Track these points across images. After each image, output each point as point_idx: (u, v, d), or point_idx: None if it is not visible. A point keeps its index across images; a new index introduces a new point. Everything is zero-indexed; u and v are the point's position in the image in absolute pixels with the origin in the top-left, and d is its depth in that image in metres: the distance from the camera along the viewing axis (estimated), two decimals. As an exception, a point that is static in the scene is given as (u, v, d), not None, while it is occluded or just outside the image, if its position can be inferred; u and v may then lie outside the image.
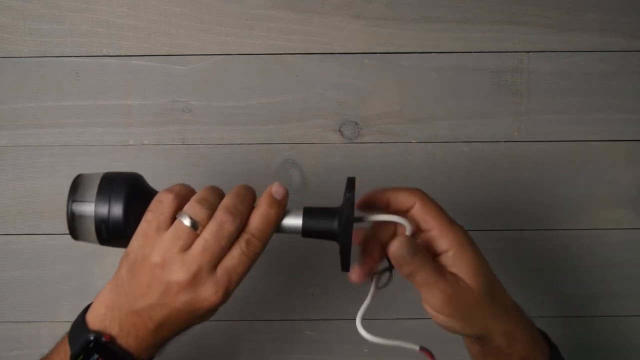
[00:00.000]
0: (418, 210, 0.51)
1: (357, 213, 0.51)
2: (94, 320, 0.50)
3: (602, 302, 0.73)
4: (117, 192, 0.50)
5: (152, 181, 0.71)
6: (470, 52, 0.71)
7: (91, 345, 0.49)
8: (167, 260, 0.47)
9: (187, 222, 0.48)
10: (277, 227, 0.51)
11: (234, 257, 0.48)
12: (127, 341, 0.50)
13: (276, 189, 0.50)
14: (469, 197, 0.72)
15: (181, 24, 0.70)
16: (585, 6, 0.70)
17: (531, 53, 0.71)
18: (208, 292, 0.48)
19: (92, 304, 0.51)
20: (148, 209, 0.49)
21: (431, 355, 0.53)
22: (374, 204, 0.52)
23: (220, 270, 0.48)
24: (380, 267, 0.53)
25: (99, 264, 0.72)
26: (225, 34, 0.70)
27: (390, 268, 0.53)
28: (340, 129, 0.71)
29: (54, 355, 0.53)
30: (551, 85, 0.71)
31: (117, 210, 0.49)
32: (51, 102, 0.70)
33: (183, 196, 0.50)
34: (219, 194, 0.50)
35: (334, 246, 0.74)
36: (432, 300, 0.50)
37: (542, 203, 0.72)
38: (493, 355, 0.54)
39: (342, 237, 0.49)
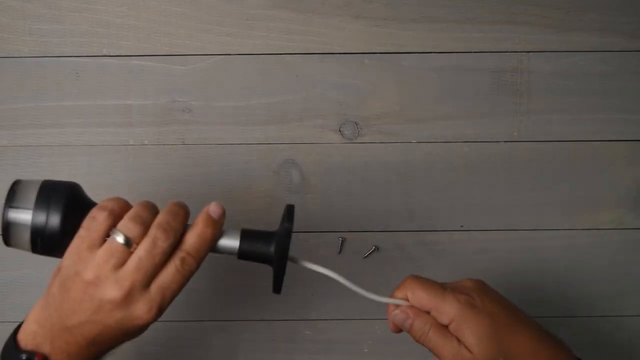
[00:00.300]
0: (412, 299, 0.53)
1: (292, 252, 0.52)
2: (25, 339, 0.49)
3: (602, 302, 0.73)
4: (55, 201, 0.48)
5: (152, 181, 0.71)
6: (470, 52, 0.71)
7: None
8: (100, 277, 0.47)
9: (120, 239, 0.47)
10: (213, 247, 0.51)
11: (168, 274, 0.48)
12: (61, 358, 0.49)
13: (213, 209, 0.50)
14: (469, 197, 0.72)
15: (181, 24, 0.70)
16: (585, 6, 0.70)
17: (531, 53, 0.71)
18: (141, 310, 0.47)
19: (23, 323, 0.50)
20: (82, 225, 0.48)
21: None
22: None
23: (154, 287, 0.48)
24: None
25: (99, 264, 0.72)
26: (225, 34, 0.70)
27: None
28: (340, 129, 0.71)
29: None
30: (551, 85, 0.71)
31: (55, 221, 0.48)
32: (51, 102, 0.70)
33: (117, 213, 0.49)
34: (153, 211, 0.50)
35: (333, 239, 0.74)
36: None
37: (542, 203, 0.72)
38: None
39: (276, 264, 0.50)
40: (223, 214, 0.51)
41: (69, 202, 0.49)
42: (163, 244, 0.48)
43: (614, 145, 0.72)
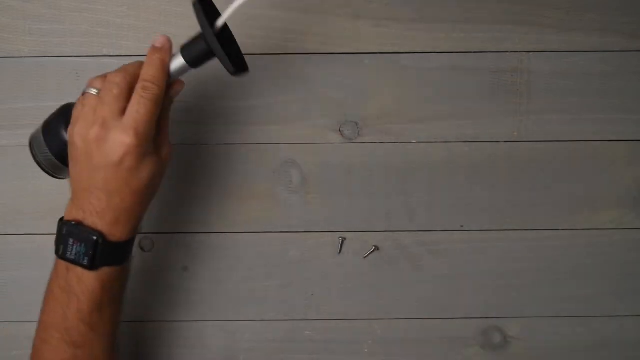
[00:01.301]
0: None
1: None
2: (66, 216, 0.57)
3: (602, 302, 0.73)
4: (54, 124, 0.59)
5: (152, 181, 0.71)
6: (470, 52, 0.71)
7: (64, 231, 0.56)
8: (84, 126, 0.55)
9: (91, 91, 0.56)
10: (169, 73, 0.58)
11: (134, 103, 0.55)
12: (92, 221, 0.56)
13: (156, 38, 0.58)
14: (469, 197, 0.72)
15: (181, 24, 0.70)
16: (585, 6, 0.70)
17: (531, 53, 0.71)
18: (120, 137, 0.54)
19: None
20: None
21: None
22: None
23: (125, 116, 0.54)
24: None
25: (99, 264, 0.72)
26: (225, 34, 0.70)
27: None
28: (340, 129, 0.71)
29: (53, 268, 0.59)
30: (551, 85, 0.71)
31: (58, 137, 0.59)
32: (51, 102, 0.70)
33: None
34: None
35: (333, 239, 0.74)
36: None
37: (542, 203, 0.72)
38: None
39: (214, 48, 0.56)
40: (167, 41, 0.58)
41: (63, 119, 0.59)
42: (115, 78, 0.55)
43: (614, 145, 0.72)
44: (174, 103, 0.70)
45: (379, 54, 0.70)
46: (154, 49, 0.58)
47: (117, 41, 0.70)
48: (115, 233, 0.56)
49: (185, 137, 0.71)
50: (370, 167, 0.71)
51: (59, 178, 0.61)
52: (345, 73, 0.70)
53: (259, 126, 0.71)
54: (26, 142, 0.70)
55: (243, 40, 0.70)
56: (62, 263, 0.57)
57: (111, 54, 0.70)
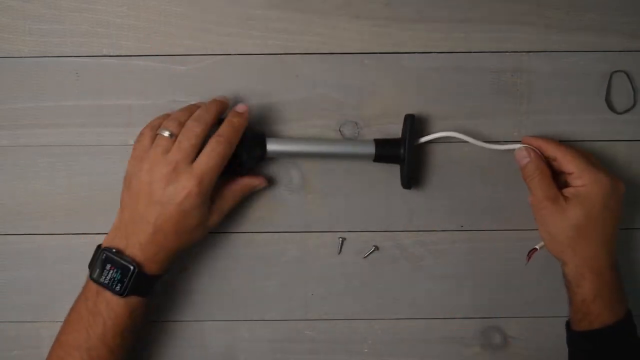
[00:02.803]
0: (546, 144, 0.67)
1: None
2: (106, 243, 0.61)
3: (602, 302, 0.73)
4: None
5: (152, 181, 0.71)
6: (470, 52, 0.71)
7: (103, 257, 0.59)
8: (153, 163, 0.59)
9: (164, 133, 0.61)
10: (352, 153, 0.68)
11: (205, 153, 0.60)
12: (132, 251, 0.60)
13: (238, 105, 0.65)
14: (469, 197, 0.72)
15: (181, 24, 0.70)
16: (585, 6, 0.70)
17: (531, 53, 0.71)
18: (186, 181, 0.59)
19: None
20: (134, 144, 0.62)
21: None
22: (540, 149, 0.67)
23: (195, 164, 0.60)
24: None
25: (99, 264, 0.72)
26: (225, 34, 0.70)
27: None
28: (340, 129, 0.71)
29: (82, 291, 0.62)
30: (551, 85, 0.71)
31: None
32: (51, 102, 0.70)
33: (156, 124, 0.63)
34: (188, 112, 0.63)
35: (333, 239, 0.74)
36: (531, 199, 0.67)
37: (542, 203, 0.72)
38: (567, 287, 0.67)
39: (407, 162, 0.66)
40: (247, 109, 0.65)
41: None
42: (196, 129, 0.61)
43: (614, 145, 0.72)
44: (175, 102, 0.71)
45: (379, 54, 0.70)
46: (235, 112, 0.64)
47: (117, 41, 0.70)
48: (151, 267, 0.61)
49: (185, 137, 0.71)
50: (371, 167, 0.71)
51: None
52: (345, 73, 0.70)
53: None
54: (26, 142, 0.71)
55: (243, 40, 0.70)
56: (93, 286, 0.60)
57: (111, 54, 0.70)
